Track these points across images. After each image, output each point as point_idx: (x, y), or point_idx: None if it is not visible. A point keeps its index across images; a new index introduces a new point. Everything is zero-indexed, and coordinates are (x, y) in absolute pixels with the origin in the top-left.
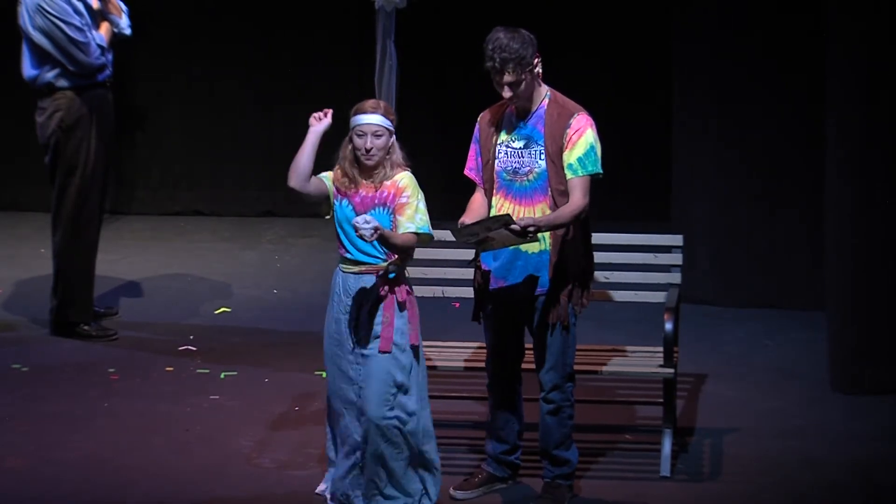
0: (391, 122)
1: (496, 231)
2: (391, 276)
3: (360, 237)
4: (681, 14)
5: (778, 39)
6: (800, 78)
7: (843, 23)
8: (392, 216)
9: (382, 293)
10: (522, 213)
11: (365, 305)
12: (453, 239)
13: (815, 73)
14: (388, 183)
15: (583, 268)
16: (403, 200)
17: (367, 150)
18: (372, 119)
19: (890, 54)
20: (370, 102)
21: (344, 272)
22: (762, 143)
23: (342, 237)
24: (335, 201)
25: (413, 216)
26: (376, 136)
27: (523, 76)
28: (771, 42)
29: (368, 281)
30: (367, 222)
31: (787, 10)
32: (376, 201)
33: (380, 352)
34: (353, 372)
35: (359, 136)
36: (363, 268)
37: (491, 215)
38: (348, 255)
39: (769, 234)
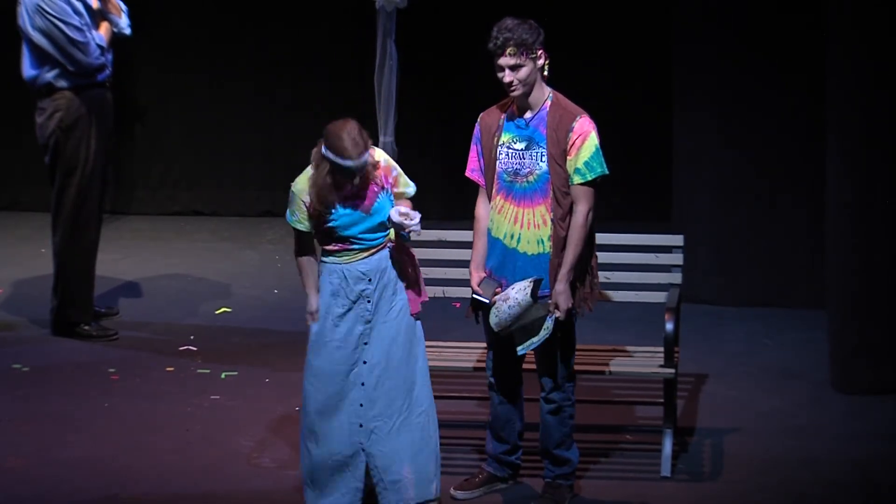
0: (371, 151)
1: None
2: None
3: (410, 231)
4: (681, 14)
5: (778, 39)
6: (800, 77)
7: (843, 22)
8: (391, 194)
9: (402, 259)
10: (522, 215)
11: (386, 278)
12: (453, 239)
13: (815, 73)
14: (373, 174)
15: (585, 269)
16: (395, 174)
17: (356, 184)
18: (360, 162)
19: (890, 53)
20: (360, 144)
21: (347, 263)
22: (763, 143)
23: (351, 234)
24: (332, 213)
25: (407, 182)
26: (361, 172)
27: (524, 61)
28: (771, 41)
29: (383, 256)
30: (407, 216)
31: (788, 10)
32: (376, 190)
33: (412, 314)
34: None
35: (345, 174)
36: (374, 249)
37: (527, 309)
38: (358, 246)
39: (769, 234)
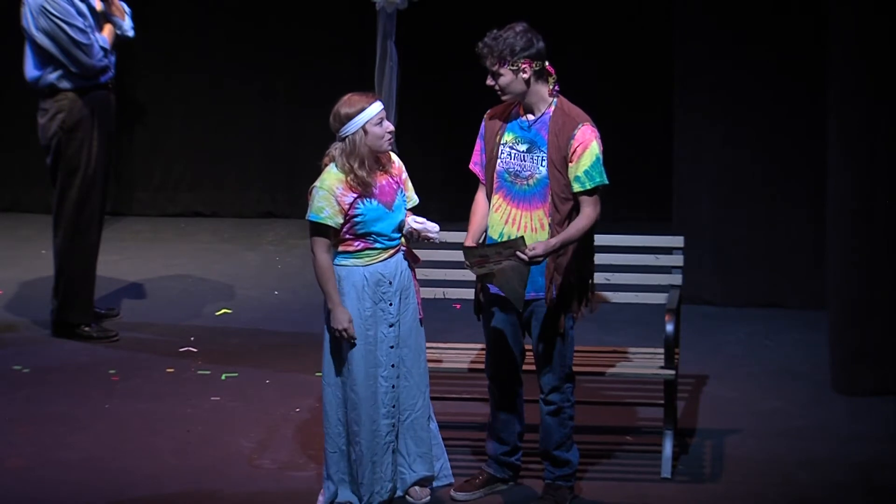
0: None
1: (503, 263)
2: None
3: (429, 238)
4: (681, 14)
5: (778, 39)
6: (800, 77)
7: (844, 22)
8: (404, 194)
9: (414, 263)
10: (520, 217)
11: (404, 281)
12: (453, 240)
13: (815, 72)
14: (391, 167)
15: (582, 274)
16: (405, 176)
17: (390, 133)
18: (380, 105)
19: (890, 53)
20: (357, 95)
21: (367, 265)
22: (763, 143)
23: (376, 230)
24: (359, 204)
25: (412, 189)
26: (387, 119)
27: (503, 70)
28: (771, 42)
29: (399, 259)
30: (421, 223)
31: (787, 10)
32: (395, 187)
33: (420, 319)
34: (391, 357)
35: (377, 124)
36: (392, 250)
37: (505, 240)
38: (379, 246)
39: (769, 234)
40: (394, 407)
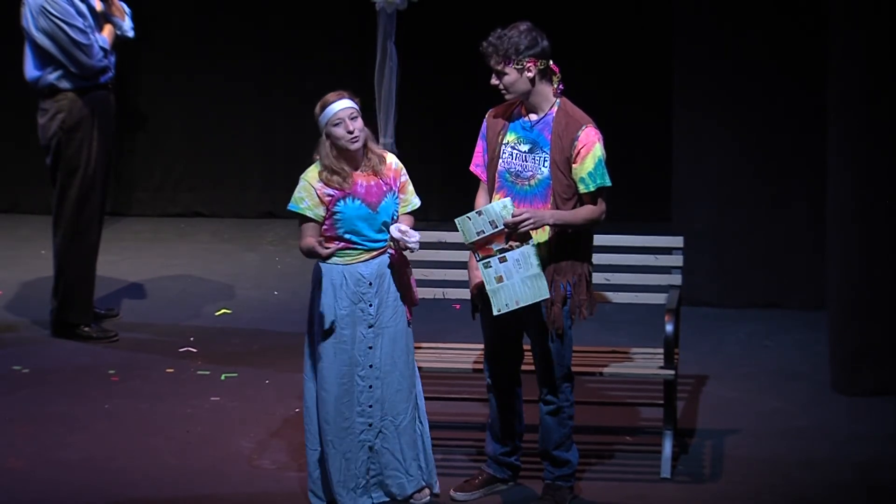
0: (357, 103)
1: (506, 259)
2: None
3: (407, 248)
4: (681, 14)
5: (778, 39)
6: (800, 77)
7: (844, 21)
8: (397, 197)
9: (400, 267)
10: None
11: (385, 283)
12: (453, 241)
13: (815, 72)
14: (383, 168)
15: (581, 274)
16: (404, 179)
17: (351, 133)
18: (343, 104)
19: (890, 53)
20: (331, 94)
21: (347, 264)
22: (762, 144)
23: (357, 230)
24: (340, 202)
25: (414, 193)
26: (352, 118)
27: (507, 69)
28: (771, 42)
29: (383, 261)
30: (406, 234)
31: (787, 10)
32: (385, 189)
33: (408, 321)
34: (365, 357)
35: (336, 125)
36: (375, 252)
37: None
38: (360, 247)
39: (770, 235)
40: (370, 407)
